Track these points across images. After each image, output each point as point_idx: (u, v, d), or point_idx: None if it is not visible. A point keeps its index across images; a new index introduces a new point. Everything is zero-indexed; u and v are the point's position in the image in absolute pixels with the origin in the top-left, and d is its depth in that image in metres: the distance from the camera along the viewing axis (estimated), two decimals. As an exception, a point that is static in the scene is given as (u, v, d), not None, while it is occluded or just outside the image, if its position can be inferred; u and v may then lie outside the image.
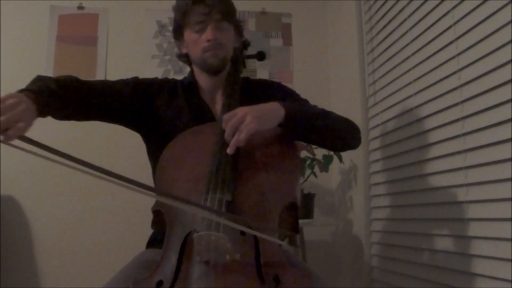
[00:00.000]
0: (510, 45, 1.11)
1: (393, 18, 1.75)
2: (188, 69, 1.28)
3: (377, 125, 1.88)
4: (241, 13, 2.42)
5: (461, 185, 1.32)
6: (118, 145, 2.13)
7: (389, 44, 1.78)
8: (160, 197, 0.86)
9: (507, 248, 1.10)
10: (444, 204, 1.41)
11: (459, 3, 1.33)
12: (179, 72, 2.28)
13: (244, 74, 1.27)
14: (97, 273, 1.98)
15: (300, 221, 1.86)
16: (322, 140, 1.13)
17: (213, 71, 1.17)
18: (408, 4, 1.63)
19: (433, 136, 1.46)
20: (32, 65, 2.20)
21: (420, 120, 1.54)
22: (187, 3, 1.14)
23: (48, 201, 2.12)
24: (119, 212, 2.15)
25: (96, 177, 0.65)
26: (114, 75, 2.26)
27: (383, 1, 1.84)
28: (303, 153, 1.98)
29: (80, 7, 2.32)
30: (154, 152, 1.15)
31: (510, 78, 1.10)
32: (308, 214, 1.96)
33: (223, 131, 0.94)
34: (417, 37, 1.56)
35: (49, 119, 1.06)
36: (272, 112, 0.97)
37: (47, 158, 0.66)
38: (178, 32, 1.20)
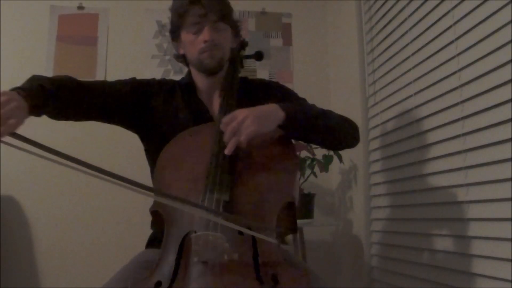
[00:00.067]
0: (510, 45, 1.11)
1: (393, 18, 1.75)
2: (187, 69, 1.28)
3: (377, 125, 1.88)
4: (241, 13, 2.43)
5: (461, 185, 1.32)
6: (118, 145, 2.13)
7: (389, 44, 1.78)
8: (158, 197, 0.86)
9: (507, 248, 1.10)
10: (444, 204, 1.41)
11: (459, 3, 1.32)
12: (179, 72, 2.27)
13: (244, 74, 1.27)
14: (97, 273, 1.98)
15: (300, 221, 1.89)
16: (322, 140, 1.13)
17: (210, 72, 1.17)
18: (408, 4, 1.63)
19: (433, 136, 1.46)
20: (32, 65, 2.20)
21: (420, 120, 1.54)
22: (184, 4, 1.14)
23: (48, 201, 2.12)
24: (119, 212, 2.14)
25: (94, 176, 0.65)
26: (114, 75, 2.25)
27: (383, 1, 1.84)
28: (303, 153, 1.98)
29: (80, 7, 2.32)
30: (152, 153, 1.15)
31: (510, 78, 1.10)
32: (308, 214, 1.96)
33: (221, 132, 0.95)
34: (417, 37, 1.56)
35: (49, 120, 1.06)
36: (271, 114, 0.97)
37: (45, 158, 0.66)
38: (175, 33, 1.20)
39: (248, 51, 1.30)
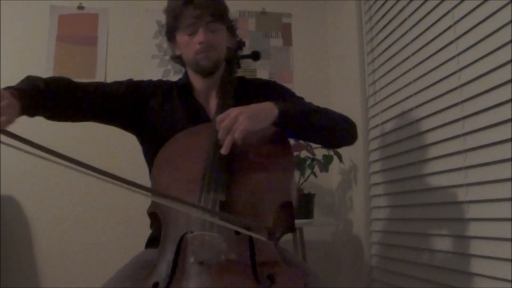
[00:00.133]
0: (510, 45, 1.11)
1: (393, 18, 1.75)
2: (187, 69, 1.28)
3: (377, 125, 1.87)
4: (241, 13, 2.43)
5: (461, 185, 1.32)
6: (119, 145, 2.13)
7: (389, 44, 1.78)
8: (155, 197, 0.86)
9: (507, 248, 1.10)
10: (444, 204, 1.41)
11: (459, 3, 1.32)
12: (179, 72, 2.25)
13: (244, 74, 1.27)
14: (97, 273, 1.98)
15: (300, 221, 1.89)
16: (318, 137, 1.13)
17: (206, 73, 1.17)
18: (408, 4, 1.63)
19: (433, 136, 1.46)
20: (32, 65, 2.20)
21: (420, 120, 1.54)
22: (178, 6, 1.13)
23: (48, 201, 2.12)
24: (119, 212, 2.14)
25: (91, 176, 0.65)
26: (114, 75, 2.26)
27: (383, 1, 1.84)
28: (303, 153, 1.98)
29: (80, 7, 2.32)
30: (150, 154, 1.15)
31: (510, 78, 1.10)
32: (308, 214, 1.96)
33: (217, 132, 0.95)
34: (417, 37, 1.56)
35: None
36: (265, 112, 0.97)
37: (43, 158, 0.66)
38: (170, 34, 1.20)
39: (248, 51, 1.30)
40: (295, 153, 1.96)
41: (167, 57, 2.31)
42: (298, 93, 1.28)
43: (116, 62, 2.29)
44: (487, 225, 1.21)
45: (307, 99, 1.25)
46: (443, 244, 1.39)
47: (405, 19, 1.64)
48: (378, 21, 1.89)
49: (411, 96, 1.60)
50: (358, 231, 2.04)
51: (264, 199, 0.90)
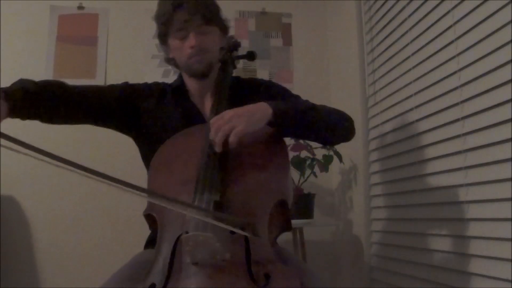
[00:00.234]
0: (510, 45, 1.11)
1: (393, 18, 1.75)
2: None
3: (377, 125, 1.88)
4: (241, 13, 2.43)
5: (461, 185, 1.32)
6: (119, 146, 2.12)
7: (389, 44, 1.78)
8: (151, 198, 0.87)
9: (507, 248, 1.10)
10: (444, 204, 1.41)
11: (459, 3, 1.33)
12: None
13: (244, 74, 1.26)
14: (96, 273, 1.98)
15: (300, 221, 1.89)
16: (315, 135, 1.12)
17: (199, 77, 1.17)
18: (408, 4, 1.63)
19: (433, 136, 1.46)
20: (32, 65, 2.21)
21: (420, 120, 1.54)
22: (167, 11, 1.13)
23: (48, 201, 2.12)
24: (119, 212, 2.14)
25: (88, 177, 0.65)
26: (114, 75, 2.27)
27: (383, 1, 1.84)
28: (303, 153, 1.98)
29: (80, 7, 2.32)
30: (147, 156, 1.16)
31: (510, 78, 1.10)
32: (308, 214, 1.96)
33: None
34: (417, 37, 1.56)
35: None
36: (259, 112, 0.97)
37: (42, 160, 0.66)
38: (162, 38, 1.20)
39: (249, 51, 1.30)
40: (295, 153, 1.96)
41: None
42: (298, 93, 1.28)
43: (116, 62, 2.29)
44: (487, 225, 1.21)
45: (307, 99, 1.25)
46: (443, 244, 1.39)
47: (405, 19, 1.64)
48: (378, 21, 1.89)
49: (411, 96, 1.60)
50: (358, 231, 2.04)
51: (259, 199, 0.90)
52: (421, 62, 1.54)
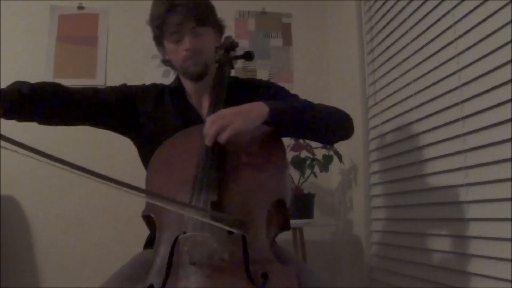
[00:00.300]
0: (510, 45, 1.11)
1: (393, 18, 1.75)
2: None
3: (377, 125, 1.88)
4: (241, 13, 2.43)
5: (461, 185, 1.32)
6: (119, 146, 2.13)
7: (389, 44, 1.78)
8: (149, 198, 0.87)
9: (507, 248, 1.10)
10: (444, 204, 1.41)
11: (459, 3, 1.33)
12: (179, 72, 2.27)
13: (244, 74, 1.26)
14: (96, 273, 1.98)
15: (300, 221, 1.89)
16: (313, 133, 1.12)
17: (196, 78, 1.17)
18: (408, 4, 1.63)
19: (433, 136, 1.46)
20: (32, 65, 2.21)
21: (420, 120, 1.54)
22: (160, 15, 1.12)
23: (48, 201, 2.12)
24: (119, 212, 2.14)
25: (89, 179, 0.65)
26: (114, 75, 2.27)
27: (383, 1, 1.84)
28: (303, 153, 1.98)
29: (80, 7, 2.32)
30: (145, 157, 1.16)
31: (510, 78, 1.11)
32: (308, 214, 1.96)
33: None
34: (417, 37, 1.56)
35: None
36: (255, 111, 0.97)
37: (42, 161, 0.66)
38: (158, 41, 1.20)
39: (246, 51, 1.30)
40: (295, 153, 1.96)
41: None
42: (298, 93, 1.28)
43: (116, 62, 2.29)
44: (487, 225, 1.21)
45: (307, 99, 1.25)
46: (443, 244, 1.39)
47: (405, 19, 1.64)
48: (378, 21, 1.89)
49: (411, 96, 1.60)
50: (358, 231, 2.04)
51: (256, 198, 0.90)
52: (421, 62, 1.54)
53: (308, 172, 2.00)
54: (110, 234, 2.14)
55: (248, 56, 1.25)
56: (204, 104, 1.20)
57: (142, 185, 1.00)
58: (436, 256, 1.43)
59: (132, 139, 1.23)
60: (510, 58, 1.10)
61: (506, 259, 1.11)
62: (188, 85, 1.21)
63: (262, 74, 2.38)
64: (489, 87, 1.19)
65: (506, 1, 1.12)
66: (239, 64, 2.28)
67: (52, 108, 1.05)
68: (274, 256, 0.81)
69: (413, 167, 1.58)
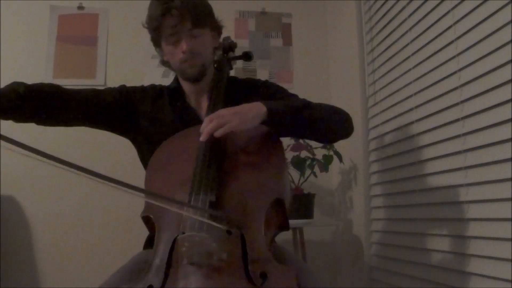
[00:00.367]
0: (510, 45, 1.11)
1: (393, 18, 1.75)
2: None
3: (377, 125, 1.88)
4: (241, 13, 2.43)
5: (461, 185, 1.32)
6: (119, 147, 2.12)
7: (389, 44, 1.78)
8: (148, 198, 0.87)
9: (507, 248, 1.10)
10: (444, 204, 1.41)
11: (459, 3, 1.33)
12: (179, 72, 2.27)
13: (244, 74, 1.26)
14: (96, 273, 1.98)
15: (300, 221, 1.89)
16: (312, 133, 1.12)
17: (193, 80, 1.17)
18: (408, 4, 1.63)
19: (433, 136, 1.46)
20: (32, 65, 2.21)
21: (420, 120, 1.54)
22: (156, 18, 1.12)
23: (48, 201, 2.12)
24: (119, 212, 2.14)
25: (88, 179, 0.65)
26: (114, 75, 2.27)
27: (383, 1, 1.84)
28: (303, 153, 1.98)
29: (80, 7, 2.32)
30: (145, 157, 1.16)
31: (510, 78, 1.10)
32: (308, 214, 1.96)
33: None
34: (417, 37, 1.56)
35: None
36: (253, 111, 0.97)
37: (43, 161, 0.66)
38: (155, 42, 1.20)
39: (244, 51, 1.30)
40: (295, 153, 1.96)
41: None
42: (298, 93, 1.28)
43: (116, 62, 2.29)
44: (487, 225, 1.21)
45: (307, 99, 1.25)
46: (443, 244, 1.39)
47: (405, 19, 1.64)
48: (378, 21, 1.89)
49: (411, 96, 1.60)
50: (358, 231, 2.04)
51: (255, 198, 0.90)
52: (421, 62, 1.54)
53: (308, 172, 2.00)
54: (110, 234, 2.13)
55: (246, 56, 1.25)
56: (203, 105, 1.20)
57: (142, 185, 1.01)
58: (436, 256, 1.43)
59: (131, 140, 1.23)
60: (510, 58, 1.10)
61: (506, 259, 1.11)
62: (187, 86, 1.21)
63: (262, 74, 2.38)
64: (489, 87, 1.19)
65: (506, 1, 1.12)
66: (239, 64, 2.28)
67: (49, 108, 1.05)
68: (273, 256, 0.81)
69: (413, 167, 1.58)
